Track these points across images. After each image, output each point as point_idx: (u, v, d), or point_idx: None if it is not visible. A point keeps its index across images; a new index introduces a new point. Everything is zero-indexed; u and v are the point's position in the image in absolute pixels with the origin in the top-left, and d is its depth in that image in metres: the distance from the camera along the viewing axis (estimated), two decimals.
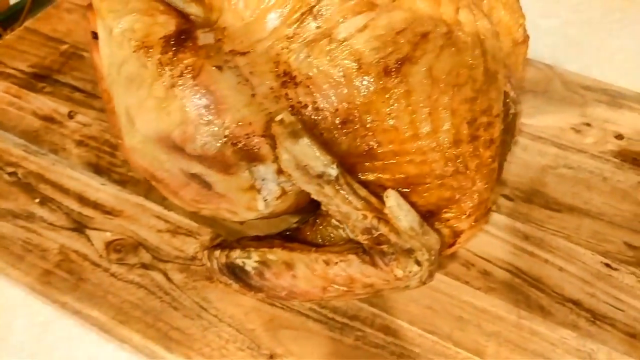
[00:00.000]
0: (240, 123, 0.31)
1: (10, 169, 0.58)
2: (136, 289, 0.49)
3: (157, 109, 0.32)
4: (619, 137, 0.60)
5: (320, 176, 0.32)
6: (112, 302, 0.49)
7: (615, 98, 0.64)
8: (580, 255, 0.52)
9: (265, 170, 0.33)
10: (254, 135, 0.32)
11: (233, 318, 0.48)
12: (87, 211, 0.54)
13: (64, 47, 0.71)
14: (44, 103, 0.64)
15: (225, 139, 0.31)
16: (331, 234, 0.41)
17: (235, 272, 0.43)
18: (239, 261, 0.42)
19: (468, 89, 0.34)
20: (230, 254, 0.43)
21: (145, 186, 0.56)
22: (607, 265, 0.51)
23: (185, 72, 0.31)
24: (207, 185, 0.35)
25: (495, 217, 0.54)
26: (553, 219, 0.54)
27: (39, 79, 0.67)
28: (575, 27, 0.78)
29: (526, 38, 0.43)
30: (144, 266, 0.51)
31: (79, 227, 0.53)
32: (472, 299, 0.49)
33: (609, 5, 0.81)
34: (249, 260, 0.42)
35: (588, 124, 0.62)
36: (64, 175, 0.57)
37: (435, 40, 0.33)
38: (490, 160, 0.36)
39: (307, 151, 0.31)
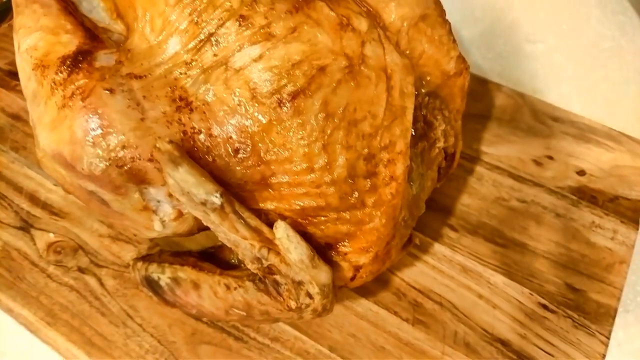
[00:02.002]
0: (125, 146, 0.32)
1: None
2: (68, 291, 0.51)
3: (50, 127, 0.33)
4: (581, 172, 0.59)
5: (204, 203, 0.32)
6: (44, 303, 0.50)
7: (583, 132, 0.62)
8: (517, 293, 0.50)
9: (157, 193, 0.34)
10: (139, 159, 0.32)
11: (156, 329, 0.48)
12: (36, 211, 0.56)
13: None
14: (14, 101, 0.66)
15: (110, 161, 0.32)
16: None
17: (152, 286, 0.44)
18: (154, 275, 0.43)
19: (366, 125, 0.34)
20: (148, 267, 0.43)
21: None
22: (544, 306, 0.50)
23: (75, 93, 0.32)
24: (105, 203, 0.35)
25: (436, 247, 0.53)
26: (496, 253, 0.53)
27: (13, 76, 0.68)
28: (561, 53, 0.76)
29: (461, 70, 0.42)
30: (80, 270, 0.52)
31: (25, 226, 0.55)
32: (398, 330, 0.48)
33: (600, 32, 0.78)
34: (163, 276, 0.42)
35: (550, 157, 0.60)
36: (20, 173, 0.59)
37: (333, 74, 0.33)
38: (390, 197, 0.35)
39: (188, 179, 0.31)
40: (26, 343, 0.50)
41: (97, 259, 0.52)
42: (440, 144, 0.42)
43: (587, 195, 0.57)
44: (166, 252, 0.45)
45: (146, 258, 0.45)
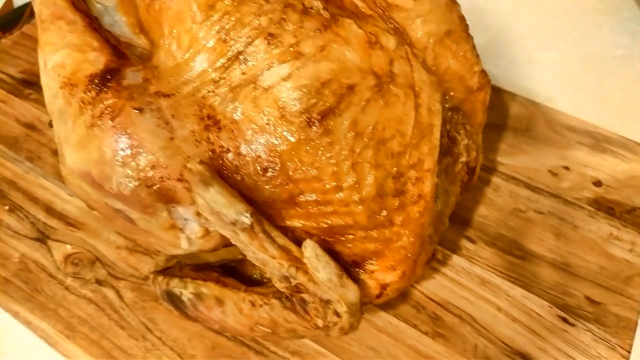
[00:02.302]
0: (154, 166, 0.32)
1: None
2: (87, 304, 0.50)
3: (78, 146, 0.33)
4: (597, 183, 0.58)
5: (233, 223, 0.32)
6: (62, 315, 0.50)
7: (599, 141, 0.62)
8: (536, 306, 0.50)
9: (185, 212, 0.34)
10: (169, 179, 0.32)
11: (176, 342, 0.48)
12: (52, 222, 0.56)
13: None
14: (28, 110, 0.66)
15: (139, 181, 0.32)
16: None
17: (174, 300, 0.44)
18: (176, 290, 0.43)
19: (395, 144, 0.34)
20: (170, 281, 0.43)
21: None
22: (564, 319, 0.50)
23: (104, 112, 0.32)
24: (131, 221, 0.35)
25: (454, 259, 0.53)
26: (514, 265, 0.53)
27: (26, 85, 0.68)
28: (573, 62, 0.76)
29: (483, 85, 0.42)
30: (98, 282, 0.52)
31: (42, 237, 0.55)
32: (417, 343, 0.48)
33: (612, 41, 0.78)
34: (185, 291, 0.42)
35: (566, 167, 0.60)
36: (36, 184, 0.59)
37: (362, 92, 0.33)
38: (418, 215, 0.35)
39: (218, 199, 0.31)
40: (27, 343, 0.50)
41: (114, 271, 0.52)
42: (463, 158, 0.42)
43: (604, 207, 0.57)
44: (187, 265, 0.44)
45: (166, 272, 0.45)
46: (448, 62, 0.39)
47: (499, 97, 0.67)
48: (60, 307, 0.50)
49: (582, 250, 0.54)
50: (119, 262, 0.53)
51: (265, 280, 0.42)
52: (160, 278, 0.45)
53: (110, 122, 0.32)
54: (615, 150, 0.61)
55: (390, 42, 0.34)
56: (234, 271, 0.44)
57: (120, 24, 0.41)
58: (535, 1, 0.86)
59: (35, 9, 0.37)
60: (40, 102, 0.66)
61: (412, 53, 0.35)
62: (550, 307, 0.50)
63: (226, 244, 0.37)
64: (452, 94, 0.40)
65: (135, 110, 0.32)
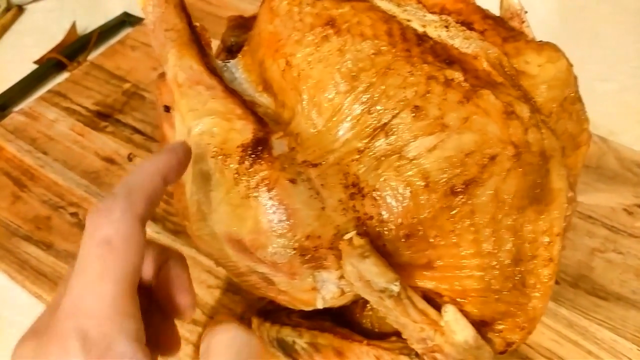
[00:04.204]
0: (309, 236, 0.33)
1: (72, 209, 0.61)
2: (185, 344, 0.51)
3: (230, 214, 0.34)
4: None
5: (382, 291, 0.33)
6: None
7: None
8: (625, 349, 0.51)
9: (328, 276, 0.35)
10: (321, 248, 0.33)
11: None
12: None
13: (127, 85, 0.73)
14: (106, 143, 0.67)
15: (294, 251, 0.33)
16: (381, 320, 0.42)
17: (285, 348, 0.45)
18: (289, 339, 0.44)
19: (531, 211, 0.35)
20: (281, 330, 0.44)
21: None
22: None
23: (260, 184, 0.33)
24: (270, 282, 0.36)
25: None
26: (599, 307, 0.54)
27: (102, 117, 0.69)
28: (633, 93, 0.77)
29: (588, 141, 0.43)
30: (194, 322, 0.53)
31: None
32: None
33: None
34: (300, 340, 0.43)
35: None
36: None
37: (503, 163, 0.34)
38: (548, 278, 0.36)
39: (372, 269, 0.32)
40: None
41: (208, 311, 0.53)
42: (568, 212, 0.43)
43: None
44: (295, 313, 0.45)
45: (271, 317, 0.46)
46: (566, 124, 0.40)
47: None
48: None
49: None
50: (211, 301, 0.54)
51: (375, 330, 0.43)
52: (268, 324, 0.46)
53: (267, 193, 0.33)
54: None
55: (524, 111, 0.35)
56: (340, 316, 0.45)
57: (240, 81, 0.42)
58: (591, 31, 0.87)
59: (170, 72, 0.38)
60: (116, 135, 0.68)
61: (541, 120, 0.36)
62: (639, 349, 0.51)
63: (354, 301, 0.39)
64: (564, 152, 0.41)
65: (289, 182, 0.33)
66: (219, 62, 0.42)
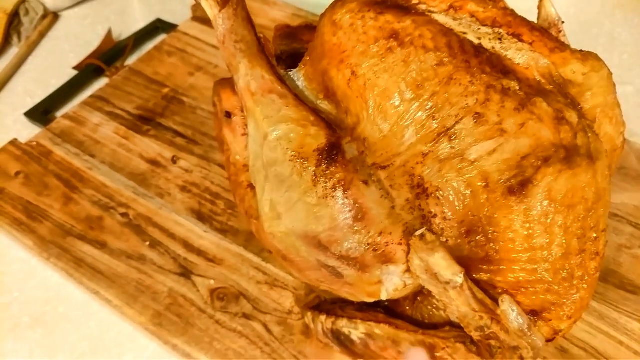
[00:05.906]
0: (382, 233, 0.36)
1: (122, 210, 0.63)
2: (238, 337, 0.54)
3: (307, 213, 0.37)
4: None
5: (447, 282, 0.36)
6: (218, 348, 0.54)
7: None
8: None
9: (395, 270, 0.38)
10: (392, 243, 0.36)
11: None
12: (192, 257, 0.60)
13: (165, 90, 0.76)
14: (149, 146, 0.69)
15: (368, 246, 0.36)
16: (431, 313, 0.45)
17: (340, 339, 0.48)
18: (345, 330, 0.47)
19: (580, 209, 0.38)
20: (337, 322, 0.47)
21: (244, 237, 0.61)
22: None
23: (337, 185, 0.36)
24: (338, 275, 0.39)
25: None
26: (628, 300, 0.57)
27: (144, 121, 0.72)
28: None
29: (623, 143, 0.47)
30: (245, 316, 0.56)
31: (185, 272, 0.58)
32: None
33: None
34: (356, 331, 0.46)
35: None
36: (170, 219, 0.63)
37: (555, 164, 0.37)
38: (594, 271, 0.39)
39: (440, 263, 0.35)
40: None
41: (259, 306, 0.56)
42: None
43: None
44: (348, 306, 0.48)
45: (328, 311, 0.49)
46: (606, 128, 0.43)
47: None
48: (214, 341, 0.54)
49: None
50: (261, 296, 0.57)
51: (426, 321, 0.46)
52: (323, 317, 0.49)
53: (343, 193, 0.36)
54: None
55: (573, 117, 0.39)
56: (387, 309, 0.48)
57: (301, 89, 0.45)
58: (608, 35, 0.90)
59: (242, 81, 0.41)
60: (159, 139, 0.70)
61: (587, 125, 0.39)
62: None
63: (415, 293, 0.42)
64: None
65: (362, 183, 0.36)
66: (282, 72, 0.45)
